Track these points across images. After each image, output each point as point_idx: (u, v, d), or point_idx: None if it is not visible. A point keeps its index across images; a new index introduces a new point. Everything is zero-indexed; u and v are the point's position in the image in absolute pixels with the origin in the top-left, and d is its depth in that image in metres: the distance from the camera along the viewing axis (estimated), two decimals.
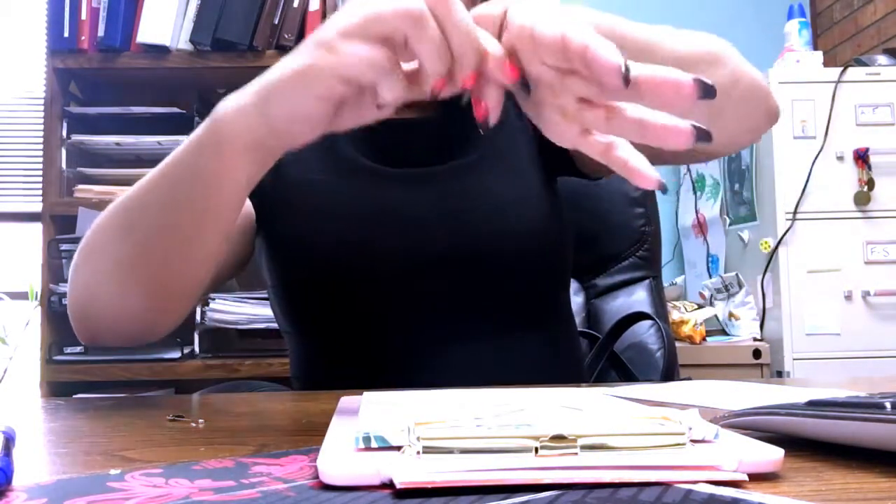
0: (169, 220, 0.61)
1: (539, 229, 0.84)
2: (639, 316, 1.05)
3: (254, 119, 0.53)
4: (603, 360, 1.02)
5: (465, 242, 0.81)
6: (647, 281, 1.16)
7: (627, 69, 0.43)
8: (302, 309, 0.86)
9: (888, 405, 0.33)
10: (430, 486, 0.31)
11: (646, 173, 0.46)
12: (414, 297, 0.81)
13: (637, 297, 1.15)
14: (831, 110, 2.38)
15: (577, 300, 1.19)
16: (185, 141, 0.59)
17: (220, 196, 0.59)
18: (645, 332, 1.09)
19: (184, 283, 0.66)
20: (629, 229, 1.18)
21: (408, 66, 0.50)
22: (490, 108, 0.50)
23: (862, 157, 2.37)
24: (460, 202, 0.83)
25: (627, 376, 1.01)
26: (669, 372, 1.02)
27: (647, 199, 1.19)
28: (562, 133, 0.49)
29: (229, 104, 0.54)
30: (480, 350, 0.81)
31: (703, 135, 0.44)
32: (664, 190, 0.47)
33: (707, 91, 0.42)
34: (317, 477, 0.33)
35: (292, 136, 0.54)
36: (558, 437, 0.33)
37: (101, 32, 1.78)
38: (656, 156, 0.82)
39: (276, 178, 0.79)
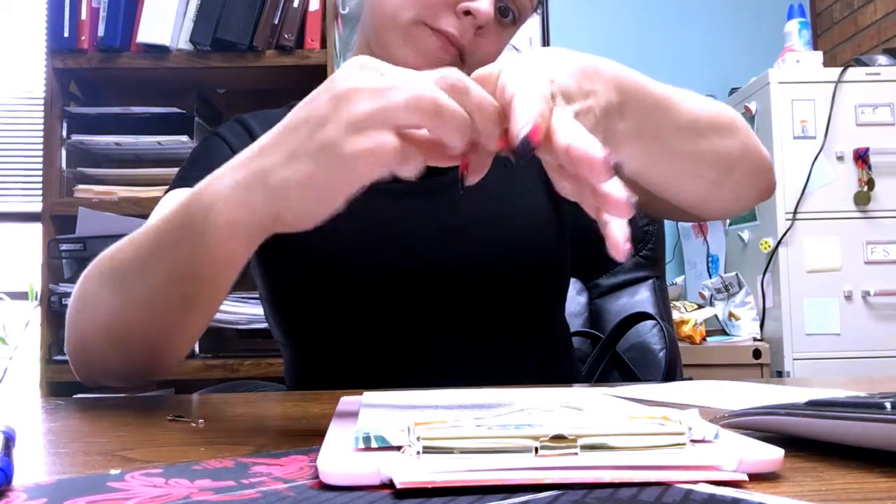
0: (163, 294, 0.58)
1: (538, 243, 0.84)
2: (641, 316, 1.04)
3: (263, 217, 0.49)
4: (605, 360, 1.02)
5: (463, 257, 0.81)
6: (650, 281, 1.16)
7: (524, 141, 0.43)
8: (296, 321, 0.86)
9: (888, 405, 0.33)
10: (430, 486, 0.31)
11: (618, 242, 0.47)
12: (409, 312, 0.81)
13: (640, 297, 1.15)
14: (831, 110, 2.38)
15: (580, 300, 1.19)
16: (174, 212, 0.55)
17: (217, 276, 0.56)
18: (648, 331, 1.09)
19: (182, 340, 0.64)
20: (633, 228, 1.17)
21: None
22: (473, 169, 0.49)
23: (862, 157, 2.37)
24: (458, 216, 0.83)
25: (630, 376, 1.01)
26: (672, 372, 1.01)
27: None
28: (561, 187, 0.50)
29: (223, 194, 0.51)
30: (474, 365, 0.81)
31: (636, 206, 0.46)
32: (624, 260, 0.48)
33: (609, 172, 0.43)
34: (317, 477, 0.33)
35: (311, 224, 0.50)
36: (558, 437, 0.33)
37: (101, 32, 1.78)
38: (654, 210, 0.82)
39: None
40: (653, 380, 1.01)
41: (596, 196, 0.46)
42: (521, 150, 0.43)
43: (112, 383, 0.72)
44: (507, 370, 0.81)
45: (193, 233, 0.53)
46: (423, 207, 0.83)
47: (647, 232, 1.18)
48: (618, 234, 0.46)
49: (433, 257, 0.80)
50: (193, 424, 0.52)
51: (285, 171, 0.47)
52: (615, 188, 0.45)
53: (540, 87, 0.46)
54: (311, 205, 0.48)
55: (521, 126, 0.44)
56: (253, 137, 0.88)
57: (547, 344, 0.88)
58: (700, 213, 0.78)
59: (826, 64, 2.62)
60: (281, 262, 0.83)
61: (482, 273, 0.81)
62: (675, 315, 2.41)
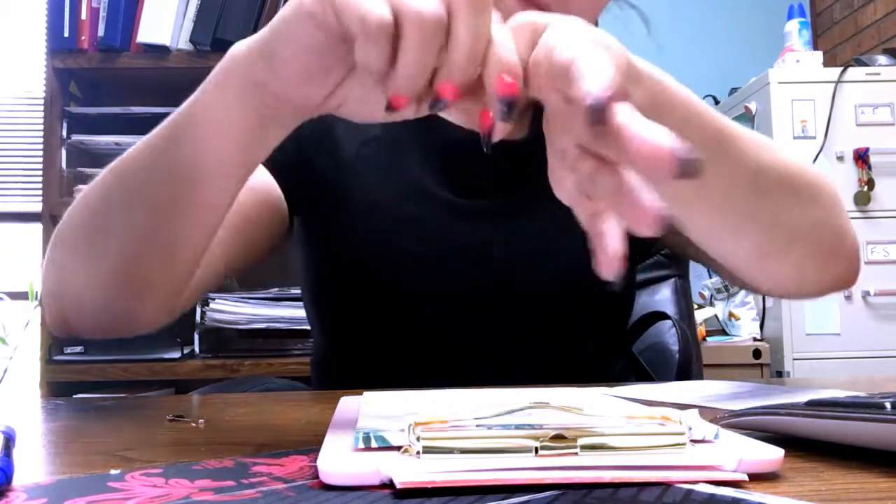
0: (153, 184, 0.57)
1: (589, 281, 0.81)
2: (657, 316, 1.03)
3: (256, 54, 0.48)
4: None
5: (521, 283, 0.78)
6: (671, 280, 1.14)
7: (599, 104, 0.34)
8: (337, 311, 0.84)
9: (888, 405, 0.33)
10: (430, 486, 0.31)
11: (610, 257, 0.39)
12: (454, 325, 0.79)
13: (661, 297, 1.13)
14: (831, 110, 2.38)
15: None
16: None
17: (218, 143, 0.51)
18: (666, 331, 1.06)
19: (163, 271, 0.60)
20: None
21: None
22: (491, 123, 0.42)
23: (862, 157, 2.37)
24: (520, 244, 0.80)
25: (644, 377, 1.00)
26: (683, 373, 1.00)
27: None
28: (559, 180, 0.42)
29: (240, 45, 0.50)
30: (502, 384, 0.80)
31: (669, 221, 0.36)
32: (616, 287, 0.43)
33: (687, 172, 0.32)
34: (317, 477, 0.33)
35: (292, 76, 0.46)
36: (558, 437, 0.33)
37: (101, 32, 1.78)
38: (706, 262, 0.77)
39: (335, 188, 0.79)
40: (666, 381, 1.00)
41: (622, 201, 0.37)
42: (592, 118, 0.35)
43: (87, 332, 0.66)
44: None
45: (206, 86, 0.51)
46: (485, 229, 0.80)
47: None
48: (614, 246, 0.39)
49: (492, 278, 0.78)
50: (193, 424, 0.52)
51: (284, 11, 0.45)
52: (650, 198, 0.36)
53: (608, 57, 0.39)
54: (297, 31, 0.44)
55: (598, 88, 0.35)
56: None
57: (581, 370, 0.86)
58: (749, 282, 0.67)
59: (826, 64, 2.62)
60: (328, 261, 0.82)
61: (542, 301, 0.79)
62: None
